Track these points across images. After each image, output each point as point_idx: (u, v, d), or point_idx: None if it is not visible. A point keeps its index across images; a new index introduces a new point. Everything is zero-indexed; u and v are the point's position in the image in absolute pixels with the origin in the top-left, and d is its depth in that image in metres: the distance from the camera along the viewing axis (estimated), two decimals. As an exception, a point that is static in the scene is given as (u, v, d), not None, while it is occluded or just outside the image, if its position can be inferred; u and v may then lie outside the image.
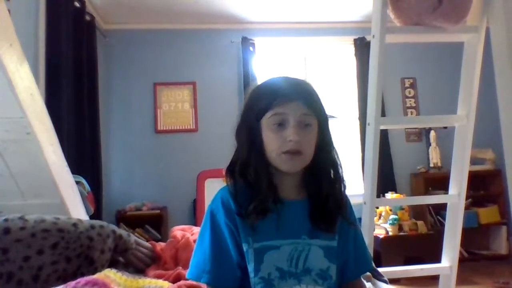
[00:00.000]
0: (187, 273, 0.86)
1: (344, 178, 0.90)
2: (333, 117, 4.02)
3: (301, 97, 0.83)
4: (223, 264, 0.81)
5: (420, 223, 3.45)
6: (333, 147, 0.90)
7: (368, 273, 1.21)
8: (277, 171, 0.85)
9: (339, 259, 0.87)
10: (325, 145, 0.88)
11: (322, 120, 0.87)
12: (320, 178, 0.87)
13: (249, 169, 0.83)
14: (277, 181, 0.85)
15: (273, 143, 0.82)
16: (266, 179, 0.83)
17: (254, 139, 0.84)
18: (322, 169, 0.87)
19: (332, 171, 0.88)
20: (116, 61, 3.88)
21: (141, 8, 3.58)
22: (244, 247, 0.80)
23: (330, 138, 0.89)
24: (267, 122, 0.83)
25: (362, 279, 0.99)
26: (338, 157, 0.89)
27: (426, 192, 3.76)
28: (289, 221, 0.84)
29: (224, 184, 0.88)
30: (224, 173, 0.88)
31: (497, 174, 3.80)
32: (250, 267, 0.80)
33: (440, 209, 3.59)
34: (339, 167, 0.89)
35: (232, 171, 0.86)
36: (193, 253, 0.86)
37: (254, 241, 0.81)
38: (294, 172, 0.85)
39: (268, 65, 4.11)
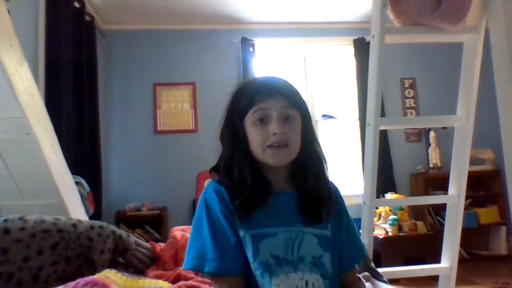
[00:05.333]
0: (184, 264, 0.83)
1: (328, 171, 0.92)
2: (333, 117, 4.05)
3: (280, 92, 0.86)
4: (226, 251, 0.80)
5: (419, 223, 3.45)
6: (317, 141, 0.92)
7: (367, 273, 1.21)
8: (267, 166, 0.87)
9: (334, 249, 0.88)
10: (309, 139, 0.90)
11: (304, 114, 0.89)
12: (305, 172, 0.89)
13: (233, 168, 0.86)
14: (269, 175, 0.87)
15: (257, 138, 0.85)
16: (251, 176, 0.84)
17: (238, 139, 0.87)
18: (307, 163, 0.89)
19: (316, 165, 0.90)
20: (116, 62, 3.88)
21: (140, 8, 3.58)
22: (241, 232, 0.81)
23: (314, 133, 0.92)
24: (250, 120, 0.86)
25: (362, 278, 0.99)
26: (321, 150, 0.92)
27: (426, 193, 3.76)
28: (282, 210, 0.85)
29: None
30: (209, 172, 0.91)
31: (496, 174, 3.80)
32: (249, 252, 0.80)
33: (440, 209, 3.59)
34: (323, 160, 0.92)
35: (216, 170, 0.89)
36: (188, 245, 0.84)
37: (249, 228, 0.82)
38: (282, 165, 0.87)
39: (268, 65, 4.11)
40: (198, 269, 0.81)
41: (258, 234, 0.81)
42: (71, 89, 2.90)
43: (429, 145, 3.93)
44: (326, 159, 0.92)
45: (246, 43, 3.91)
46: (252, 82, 0.93)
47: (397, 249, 3.22)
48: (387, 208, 3.50)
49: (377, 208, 3.39)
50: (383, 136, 3.78)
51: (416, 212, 3.73)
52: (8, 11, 1.31)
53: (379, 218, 3.51)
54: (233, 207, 0.82)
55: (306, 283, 0.80)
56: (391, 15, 1.81)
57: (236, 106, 0.89)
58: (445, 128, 3.55)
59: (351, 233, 0.94)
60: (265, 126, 0.84)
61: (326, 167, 0.91)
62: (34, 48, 2.55)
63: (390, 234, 3.34)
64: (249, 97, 0.87)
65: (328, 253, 0.86)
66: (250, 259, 0.80)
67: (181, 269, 1.15)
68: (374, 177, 1.79)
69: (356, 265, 0.97)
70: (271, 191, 0.85)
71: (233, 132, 0.88)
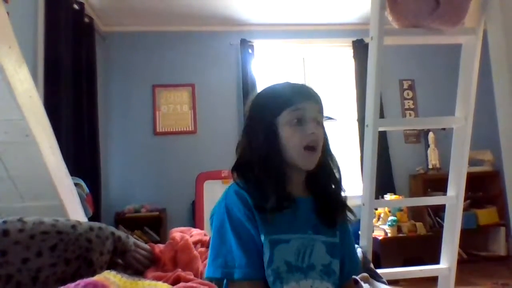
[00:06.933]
0: (206, 272, 0.83)
1: (343, 179, 0.94)
2: (332, 119, 4.04)
3: (314, 97, 0.90)
4: (254, 256, 0.80)
5: (419, 224, 3.46)
6: (331, 149, 0.95)
7: (365, 274, 1.22)
8: (289, 169, 0.87)
9: (341, 255, 0.89)
10: (327, 146, 0.93)
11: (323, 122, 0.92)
12: (324, 178, 0.91)
13: (268, 166, 0.84)
14: (288, 180, 0.87)
15: (294, 137, 0.85)
16: (283, 175, 0.85)
17: (272, 137, 0.86)
18: (326, 169, 0.92)
19: (334, 172, 0.93)
20: (115, 63, 3.88)
21: (140, 10, 3.58)
22: (262, 237, 0.81)
23: (328, 141, 0.94)
24: (285, 118, 0.86)
25: (360, 281, 1.00)
26: (335, 158, 0.95)
27: (425, 194, 3.76)
28: (298, 216, 0.86)
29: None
30: (231, 172, 0.90)
31: (495, 175, 3.81)
32: (265, 258, 0.81)
33: (439, 210, 3.60)
34: (339, 168, 0.94)
35: (242, 169, 0.88)
36: (211, 253, 0.83)
37: (268, 233, 0.82)
38: (307, 169, 0.88)
39: (267, 67, 4.12)
40: (226, 277, 0.81)
41: (275, 240, 0.82)
42: (70, 91, 2.89)
43: (428, 146, 3.93)
44: (340, 167, 0.95)
45: (245, 44, 3.92)
46: (287, 84, 0.93)
47: (396, 250, 3.22)
48: (386, 209, 3.50)
49: (376, 209, 3.39)
50: (382, 137, 3.79)
51: (415, 213, 3.73)
52: (7, 13, 1.31)
53: (378, 219, 3.51)
54: (257, 209, 0.81)
55: None
56: (389, 17, 1.82)
57: (270, 103, 0.88)
58: (444, 129, 3.55)
59: (352, 245, 0.96)
60: (301, 127, 0.85)
61: (341, 175, 0.94)
62: (33, 50, 2.55)
63: (389, 235, 3.34)
64: (286, 96, 0.87)
65: (337, 259, 0.87)
66: (265, 265, 0.80)
67: (180, 271, 1.15)
68: (373, 178, 1.79)
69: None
70: (292, 198, 0.85)
71: (266, 129, 0.86)
